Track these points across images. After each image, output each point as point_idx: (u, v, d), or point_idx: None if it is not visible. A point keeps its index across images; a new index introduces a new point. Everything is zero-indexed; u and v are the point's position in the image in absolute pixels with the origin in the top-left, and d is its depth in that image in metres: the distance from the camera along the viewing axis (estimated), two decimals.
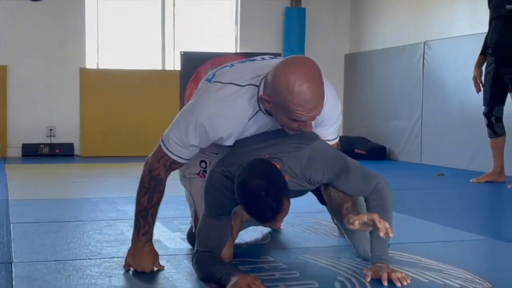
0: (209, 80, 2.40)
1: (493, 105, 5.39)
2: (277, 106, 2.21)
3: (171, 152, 2.39)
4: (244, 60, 2.53)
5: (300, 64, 2.20)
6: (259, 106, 2.30)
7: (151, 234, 2.49)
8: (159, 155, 2.41)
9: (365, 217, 2.29)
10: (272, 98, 2.20)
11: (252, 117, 2.33)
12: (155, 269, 2.48)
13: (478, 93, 5.60)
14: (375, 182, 2.42)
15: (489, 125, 5.45)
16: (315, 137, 2.44)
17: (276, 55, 9.00)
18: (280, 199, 2.14)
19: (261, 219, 2.21)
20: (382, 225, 2.26)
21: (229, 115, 2.30)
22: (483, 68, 5.53)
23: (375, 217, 2.28)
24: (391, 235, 2.29)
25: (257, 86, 2.29)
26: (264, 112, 2.31)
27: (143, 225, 2.46)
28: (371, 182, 2.42)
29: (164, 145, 2.39)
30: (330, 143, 2.54)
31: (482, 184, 5.40)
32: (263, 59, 2.49)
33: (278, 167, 2.24)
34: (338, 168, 2.38)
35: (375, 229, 2.31)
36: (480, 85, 5.55)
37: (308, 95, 2.14)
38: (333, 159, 2.39)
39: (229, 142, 2.38)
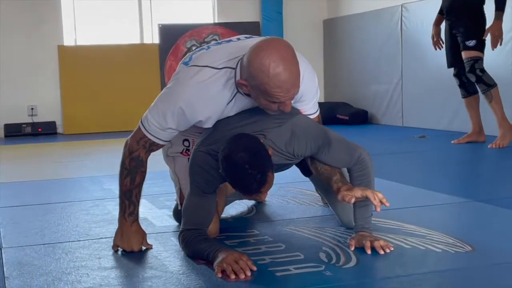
0: (186, 64, 2.41)
1: (460, 65, 5.44)
2: (255, 89, 2.23)
3: (150, 134, 2.41)
4: (220, 41, 2.53)
5: (273, 46, 2.21)
6: (237, 88, 2.32)
7: (137, 214, 2.52)
8: (139, 136, 2.43)
9: (358, 193, 2.34)
10: (249, 82, 2.23)
11: (231, 100, 2.35)
12: (143, 248, 2.52)
13: (435, 49, 5.72)
14: (357, 154, 2.45)
15: (461, 85, 5.51)
16: (296, 111, 2.47)
17: (254, 24, 8.89)
18: (265, 171, 2.17)
19: (247, 192, 2.24)
20: (377, 202, 2.32)
21: (207, 99, 2.32)
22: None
23: (369, 193, 2.33)
24: (387, 204, 2.35)
25: (233, 68, 2.31)
26: (243, 93, 2.34)
27: (128, 206, 2.49)
28: (353, 153, 2.45)
29: (144, 127, 2.41)
30: (311, 117, 2.57)
31: (463, 145, 5.46)
32: (238, 39, 2.50)
33: (261, 141, 2.27)
34: (321, 142, 2.41)
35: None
36: (440, 42, 5.65)
37: (284, 76, 2.17)
38: (315, 133, 2.42)
39: (209, 125, 2.41)
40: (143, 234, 2.54)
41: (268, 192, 2.32)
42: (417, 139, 6.25)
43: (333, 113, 8.03)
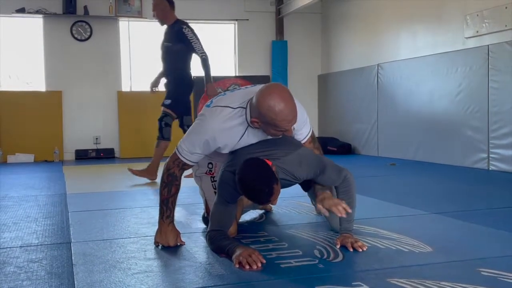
0: (208, 106, 2.44)
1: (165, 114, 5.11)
2: (265, 124, 2.26)
3: (182, 157, 2.43)
4: (233, 89, 2.56)
5: (273, 91, 2.24)
6: (248, 124, 2.35)
7: (173, 217, 2.51)
8: (174, 158, 2.45)
9: (327, 206, 2.42)
10: (260, 119, 2.26)
11: (244, 134, 2.38)
12: (178, 244, 2.50)
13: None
14: (343, 175, 2.46)
15: (160, 128, 5.02)
16: (299, 144, 2.49)
17: (265, 77, 8.91)
18: (270, 185, 2.16)
19: (259, 202, 2.25)
20: (340, 212, 2.38)
21: (225, 131, 2.35)
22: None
23: (334, 209, 2.39)
24: (349, 210, 2.37)
25: (244, 108, 2.34)
26: (253, 127, 2.36)
27: (165, 211, 2.48)
28: (340, 174, 2.46)
29: (178, 151, 2.44)
30: (307, 135, 2.58)
31: (418, 170, 5.38)
32: (246, 87, 2.52)
33: (270, 164, 2.26)
34: (317, 169, 2.43)
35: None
36: (153, 90, 5.59)
37: (286, 111, 2.20)
38: (313, 163, 2.44)
39: (226, 151, 2.43)
40: (177, 233, 2.52)
41: (278, 200, 2.30)
42: (389, 166, 6.20)
43: (324, 146, 7.99)
